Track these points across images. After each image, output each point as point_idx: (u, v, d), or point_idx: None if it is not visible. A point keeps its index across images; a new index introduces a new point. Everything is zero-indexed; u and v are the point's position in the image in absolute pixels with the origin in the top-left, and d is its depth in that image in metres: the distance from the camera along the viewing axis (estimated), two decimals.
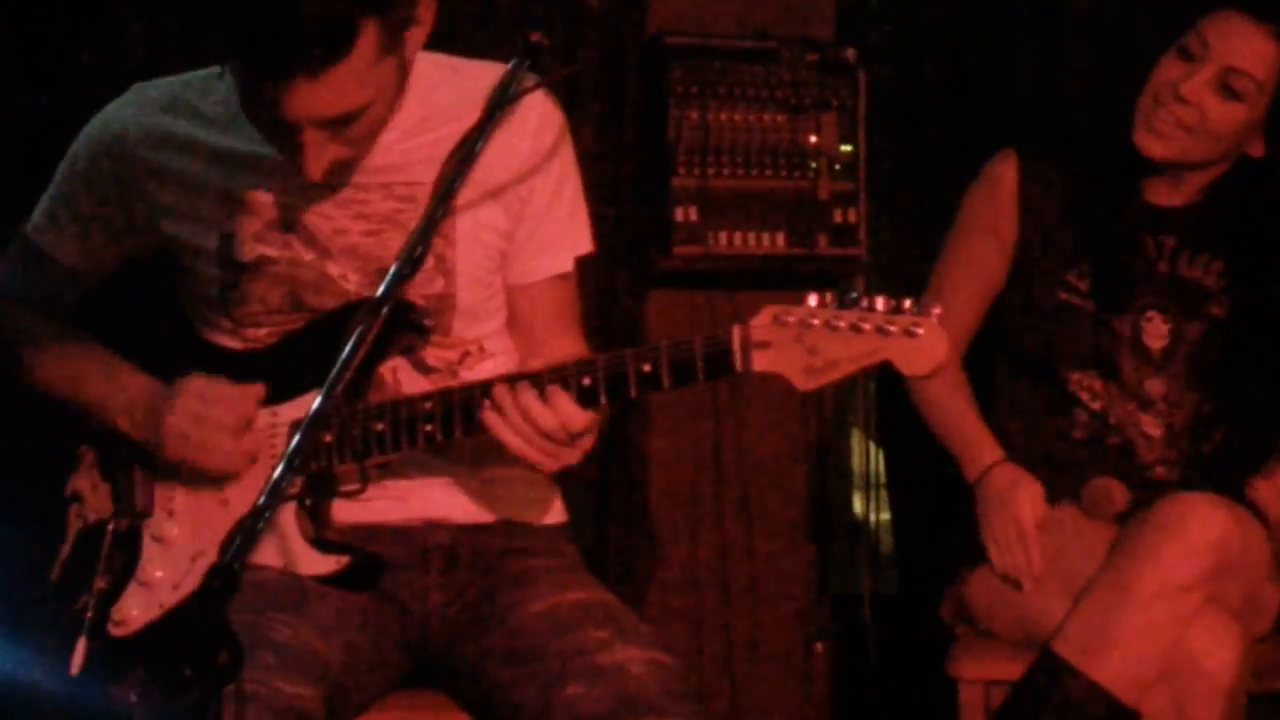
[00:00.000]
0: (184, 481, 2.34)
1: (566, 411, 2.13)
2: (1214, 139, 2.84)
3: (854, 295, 2.05)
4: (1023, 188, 2.97)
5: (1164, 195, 2.95)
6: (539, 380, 2.15)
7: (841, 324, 2.04)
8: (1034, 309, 2.97)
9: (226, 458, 2.29)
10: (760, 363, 2.07)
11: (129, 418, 2.34)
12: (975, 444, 2.98)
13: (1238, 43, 2.78)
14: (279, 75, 2.06)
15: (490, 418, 2.16)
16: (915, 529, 3.61)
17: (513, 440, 2.16)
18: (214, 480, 2.32)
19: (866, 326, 2.03)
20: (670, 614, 3.53)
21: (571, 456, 2.19)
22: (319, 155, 2.16)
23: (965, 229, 3.04)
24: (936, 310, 2.03)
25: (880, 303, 2.03)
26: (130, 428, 2.34)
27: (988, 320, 3.06)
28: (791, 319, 2.05)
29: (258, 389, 2.30)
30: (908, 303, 2.03)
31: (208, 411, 2.27)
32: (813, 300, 2.05)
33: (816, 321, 2.04)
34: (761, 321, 2.07)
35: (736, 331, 2.08)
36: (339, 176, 2.28)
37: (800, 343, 2.05)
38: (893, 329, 2.02)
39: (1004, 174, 2.98)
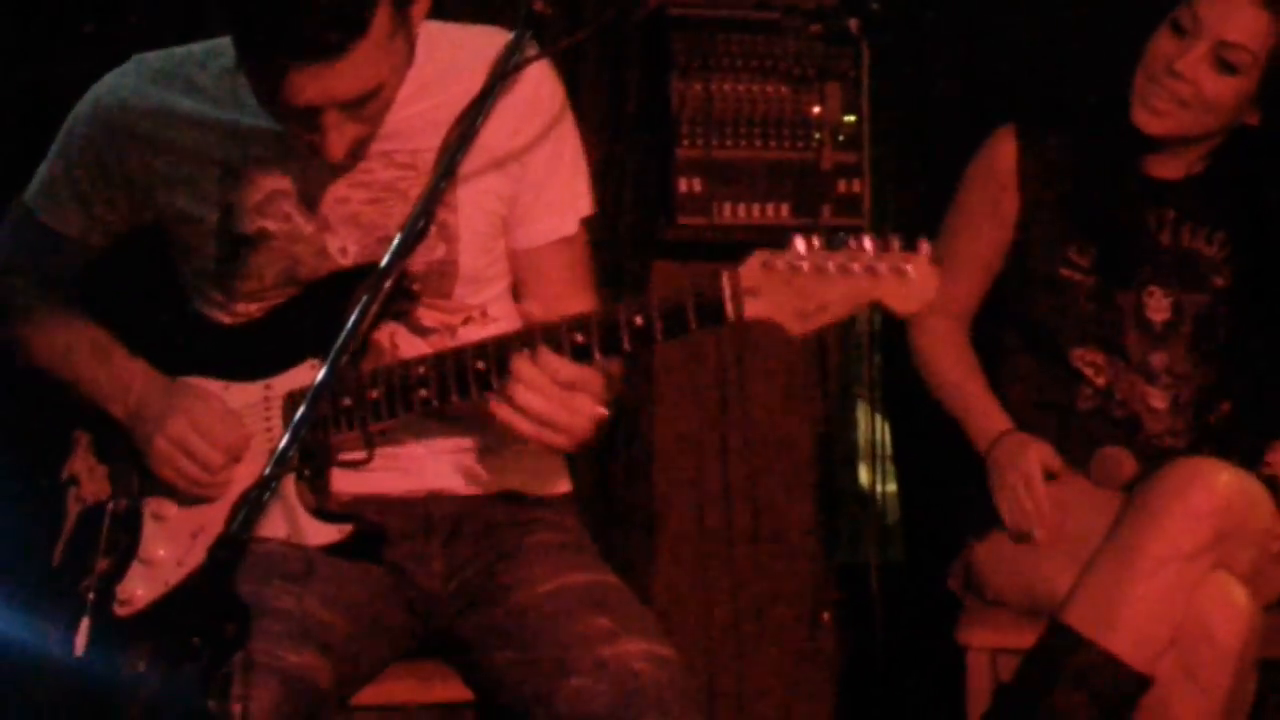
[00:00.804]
0: None
1: (552, 365, 2.12)
2: (1210, 112, 2.84)
3: (842, 236, 2.04)
4: (1021, 163, 2.97)
5: (1163, 168, 2.94)
6: (529, 339, 2.14)
7: (830, 266, 2.02)
8: (1035, 285, 2.97)
9: (198, 488, 2.31)
10: (751, 309, 2.06)
11: (122, 405, 2.35)
12: (984, 414, 2.98)
13: (1230, 15, 2.76)
14: (298, 59, 2.05)
15: (499, 407, 2.15)
16: (921, 500, 3.61)
17: (520, 423, 2.14)
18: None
19: (855, 267, 2.02)
20: (676, 586, 3.52)
21: (578, 424, 2.16)
22: (340, 137, 2.17)
23: (965, 204, 3.05)
24: (925, 247, 2.02)
25: (868, 243, 2.02)
26: (123, 415, 2.35)
27: (994, 295, 3.06)
28: (780, 263, 2.04)
29: (248, 431, 2.31)
30: (896, 241, 2.02)
31: (196, 443, 2.29)
32: (800, 244, 2.04)
33: (805, 265, 2.04)
34: (750, 268, 2.06)
35: (726, 279, 2.07)
36: (356, 155, 2.28)
37: (790, 287, 2.04)
38: (882, 268, 2.01)
39: (1003, 148, 2.98)
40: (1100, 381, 2.93)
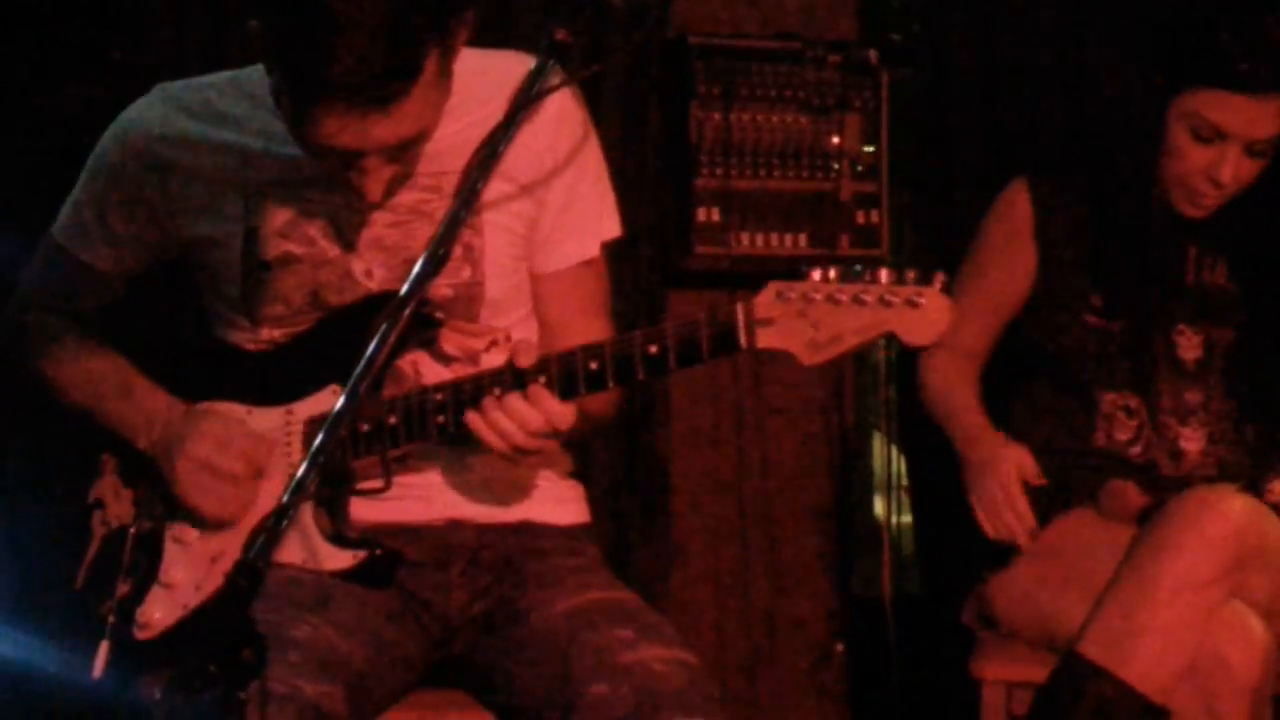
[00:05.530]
0: None
1: (552, 409, 2.14)
2: (1245, 186, 2.89)
3: (858, 268, 2.04)
4: (1036, 215, 2.99)
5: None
6: (545, 368, 2.15)
7: (844, 297, 2.03)
8: (1062, 335, 2.98)
9: (223, 506, 2.31)
10: (764, 339, 2.06)
11: (145, 438, 2.36)
12: (975, 432, 2.97)
13: (1252, 120, 2.80)
14: (347, 106, 2.06)
15: (475, 421, 2.17)
16: (937, 531, 3.60)
17: (497, 442, 2.17)
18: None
19: (869, 298, 2.02)
20: (691, 615, 3.52)
21: (548, 448, 2.22)
22: (378, 180, 2.18)
23: (981, 252, 3.07)
24: (940, 278, 2.02)
25: (884, 274, 2.02)
26: (147, 447, 2.36)
27: (1022, 343, 3.06)
28: (794, 294, 2.05)
29: (270, 443, 2.31)
30: (911, 273, 2.02)
31: (220, 460, 2.29)
32: (816, 275, 2.05)
33: (819, 296, 2.04)
34: (765, 298, 2.07)
35: (740, 309, 2.07)
36: (391, 193, 2.29)
37: (804, 317, 2.04)
38: (895, 300, 2.01)
39: (1016, 202, 3.01)
40: (1133, 424, 2.94)
